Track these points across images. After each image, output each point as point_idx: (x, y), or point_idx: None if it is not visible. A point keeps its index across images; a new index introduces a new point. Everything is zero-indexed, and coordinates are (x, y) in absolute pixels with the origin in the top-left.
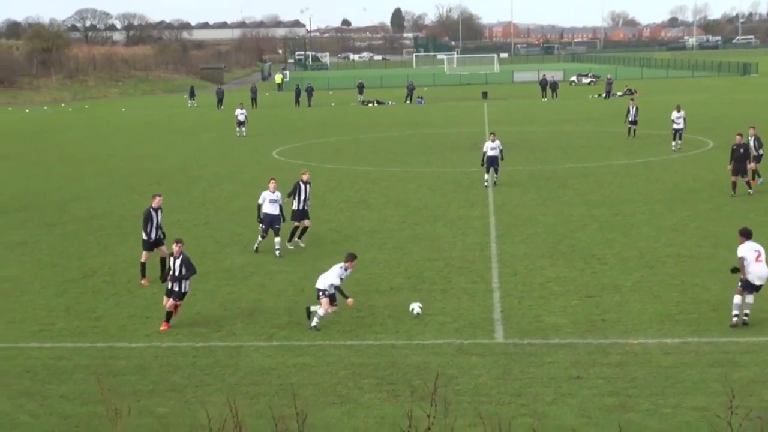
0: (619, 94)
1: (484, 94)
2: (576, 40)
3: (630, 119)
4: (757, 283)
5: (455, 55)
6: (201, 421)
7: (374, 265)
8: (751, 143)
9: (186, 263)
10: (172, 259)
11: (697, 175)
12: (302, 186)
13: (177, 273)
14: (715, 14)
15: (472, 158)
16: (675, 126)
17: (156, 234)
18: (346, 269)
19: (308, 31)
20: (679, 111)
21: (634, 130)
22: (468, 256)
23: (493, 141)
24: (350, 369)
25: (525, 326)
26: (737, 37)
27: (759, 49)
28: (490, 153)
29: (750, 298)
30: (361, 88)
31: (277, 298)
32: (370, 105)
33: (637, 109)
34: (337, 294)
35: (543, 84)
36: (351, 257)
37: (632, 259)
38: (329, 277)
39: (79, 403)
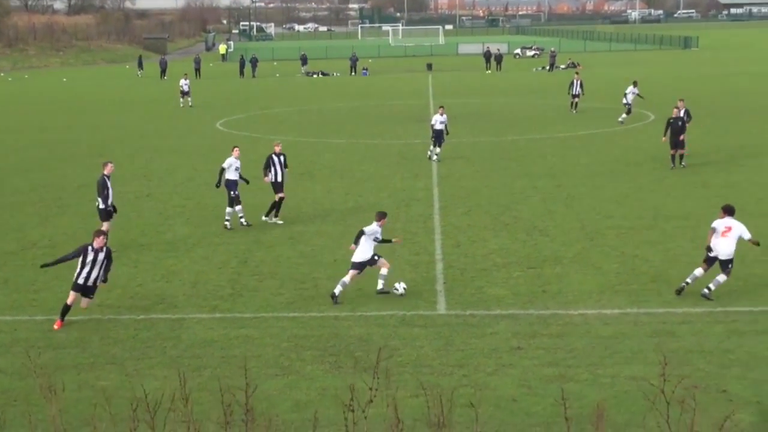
0: (563, 66)
1: (429, 66)
2: (520, 12)
3: (573, 92)
4: (712, 254)
5: (400, 27)
6: (141, 394)
7: (318, 237)
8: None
9: (110, 256)
10: (93, 253)
11: (638, 147)
12: (275, 158)
13: (105, 268)
14: None
15: (416, 130)
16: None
17: (112, 202)
18: (380, 226)
19: (253, 2)
20: (635, 86)
21: (576, 104)
22: (411, 228)
23: (441, 114)
24: (293, 341)
25: (467, 297)
26: (679, 11)
27: (700, 23)
28: (438, 126)
29: (721, 277)
30: (304, 60)
31: (219, 270)
32: (315, 76)
33: (581, 83)
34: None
35: (487, 56)
36: (382, 215)
37: (573, 230)
38: (369, 241)
39: (17, 377)
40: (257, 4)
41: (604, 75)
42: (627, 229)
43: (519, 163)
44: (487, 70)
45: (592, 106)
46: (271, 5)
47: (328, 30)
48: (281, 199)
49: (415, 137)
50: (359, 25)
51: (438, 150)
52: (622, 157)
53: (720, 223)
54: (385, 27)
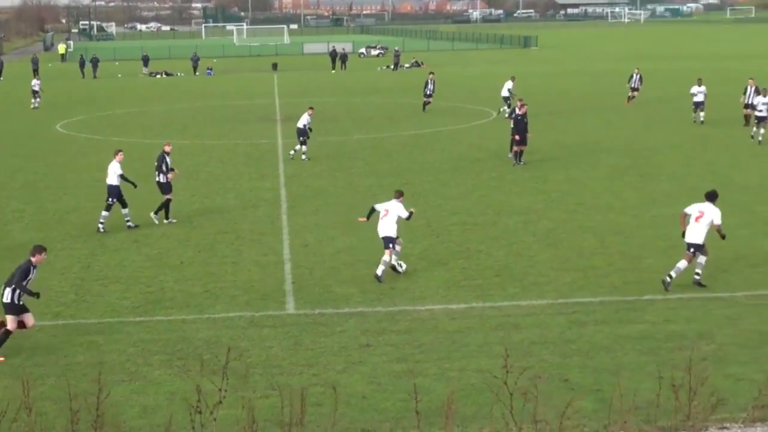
0: (407, 66)
1: (274, 66)
2: (365, 12)
3: (427, 93)
4: (686, 240)
5: (245, 26)
6: None
7: (164, 239)
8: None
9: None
10: (34, 271)
11: (481, 145)
12: (167, 158)
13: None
14: None
15: (263, 130)
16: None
17: None
18: (401, 202)
19: (93, 0)
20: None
21: (427, 103)
22: (259, 228)
23: (309, 114)
24: (139, 346)
25: (316, 296)
26: (518, 11)
27: (539, 23)
28: (300, 125)
29: (701, 258)
30: (146, 61)
31: (62, 275)
32: (158, 76)
33: (434, 83)
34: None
35: (333, 55)
36: (400, 193)
37: (419, 227)
38: (394, 220)
39: None
40: (97, 3)
41: (448, 74)
42: (471, 225)
43: (366, 161)
44: (332, 69)
45: (436, 104)
46: (112, 4)
47: (171, 29)
48: (169, 200)
49: (261, 137)
50: (203, 25)
51: (304, 148)
52: (466, 155)
53: (694, 208)
54: (230, 26)
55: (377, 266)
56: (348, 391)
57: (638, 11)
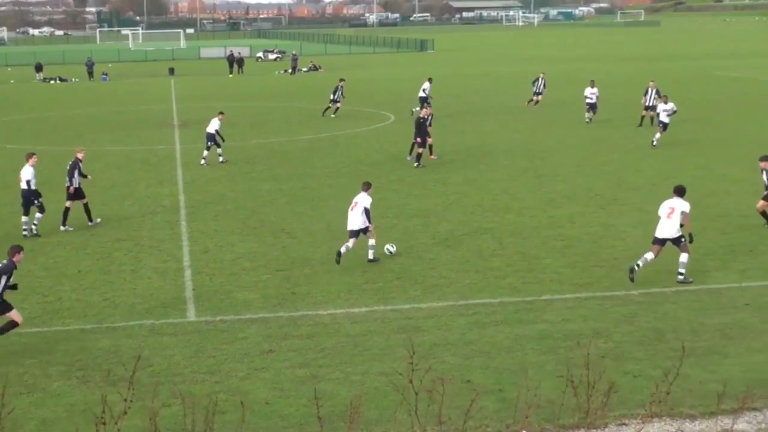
0: (305, 69)
1: (171, 71)
2: (262, 16)
3: (333, 98)
4: (659, 235)
5: (140, 31)
6: None
7: (60, 248)
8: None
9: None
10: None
11: (380, 148)
12: (81, 165)
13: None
14: None
15: (160, 135)
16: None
17: None
18: (369, 194)
19: None
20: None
21: (332, 109)
22: (158, 235)
23: (219, 119)
24: (37, 357)
25: (217, 303)
26: (414, 15)
27: (435, 26)
28: (210, 130)
29: (683, 257)
30: (39, 68)
31: None
32: (53, 82)
33: (343, 89)
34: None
35: (230, 60)
36: (368, 185)
37: (320, 232)
38: (362, 211)
39: None
40: None
41: (345, 78)
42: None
43: (265, 166)
44: (230, 73)
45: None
46: (3, 8)
47: (65, 34)
48: (86, 203)
49: (158, 143)
50: (97, 29)
51: (219, 150)
52: (364, 158)
53: (664, 205)
54: (125, 31)
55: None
56: (251, 397)
57: (532, 15)
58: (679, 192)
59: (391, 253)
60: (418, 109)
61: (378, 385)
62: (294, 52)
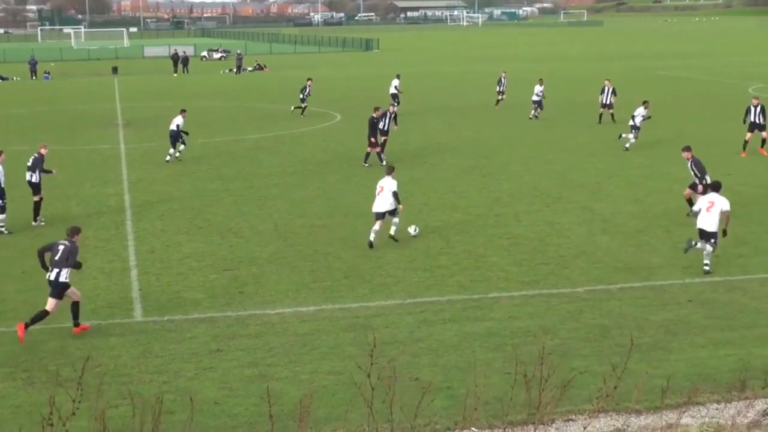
0: (250, 69)
1: (115, 69)
2: (206, 15)
3: (301, 97)
4: (700, 227)
5: (83, 30)
6: None
7: (4, 249)
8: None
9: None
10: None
11: (326, 147)
12: (44, 161)
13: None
14: None
15: (104, 135)
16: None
17: None
18: (393, 177)
19: None
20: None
21: (302, 108)
22: (103, 235)
23: (183, 117)
24: None
25: (164, 303)
26: (359, 14)
27: (379, 26)
28: (173, 128)
29: (708, 248)
30: None
31: None
32: None
33: (311, 88)
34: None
35: (174, 59)
36: (391, 168)
37: (267, 231)
38: (391, 194)
39: None
40: None
41: (291, 77)
42: (319, 228)
43: (211, 166)
44: (174, 72)
45: (282, 108)
46: None
47: (6, 32)
48: (41, 199)
49: (103, 142)
50: (39, 28)
51: (182, 148)
52: (311, 157)
53: (704, 199)
54: (67, 29)
55: (394, 229)
56: (199, 397)
57: (476, 14)
58: (715, 187)
59: (413, 234)
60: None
61: (327, 383)
62: (239, 52)
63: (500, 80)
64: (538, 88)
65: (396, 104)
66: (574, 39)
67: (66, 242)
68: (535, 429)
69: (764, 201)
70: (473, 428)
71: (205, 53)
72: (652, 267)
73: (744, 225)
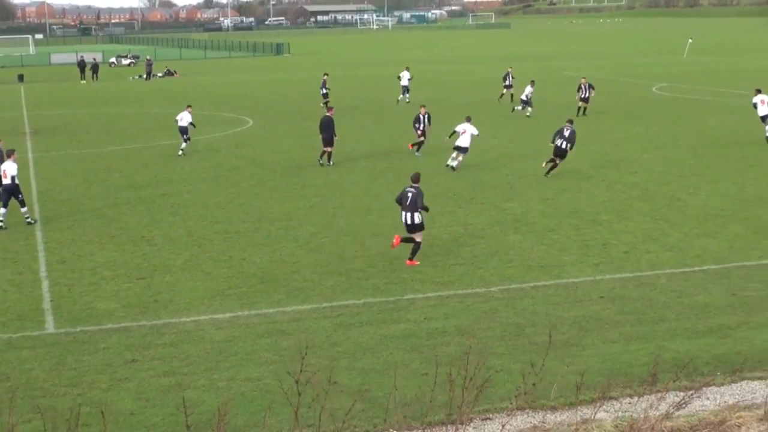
0: (160, 75)
1: (21, 77)
2: (114, 21)
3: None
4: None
5: None
6: None
7: None
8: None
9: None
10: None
11: (238, 153)
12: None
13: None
14: None
15: (11, 144)
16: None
17: None
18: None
19: None
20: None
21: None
22: (12, 247)
23: (189, 112)
24: None
25: (77, 314)
26: (269, 19)
27: (290, 30)
28: (183, 124)
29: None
30: None
31: None
32: None
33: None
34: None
35: (81, 66)
36: (468, 118)
37: (181, 238)
38: (470, 136)
39: None
40: None
41: (202, 82)
42: (233, 234)
43: (122, 173)
44: (82, 79)
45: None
46: None
47: None
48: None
49: None
50: None
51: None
52: (224, 163)
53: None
54: None
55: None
56: (115, 408)
57: (386, 18)
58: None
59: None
60: (404, 96)
61: (245, 390)
62: (148, 57)
63: (507, 75)
64: (528, 89)
65: (405, 95)
66: (483, 41)
67: (415, 188)
68: (454, 429)
69: (670, 198)
70: (392, 430)
71: (113, 59)
72: (563, 265)
73: (652, 222)
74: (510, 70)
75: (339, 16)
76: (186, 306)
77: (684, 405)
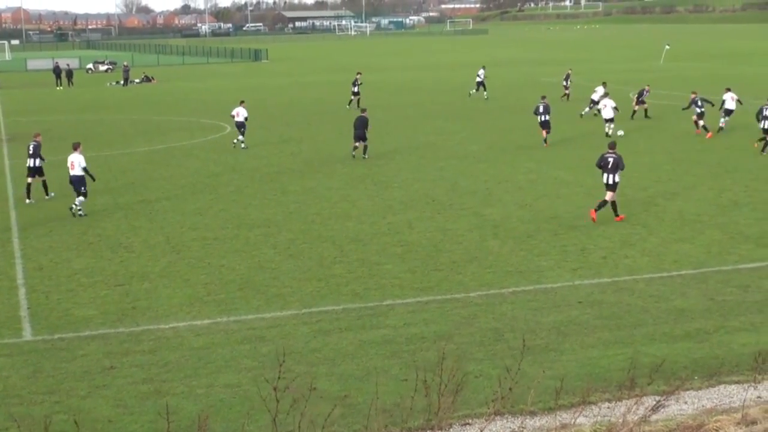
0: (137, 81)
1: None
2: (90, 26)
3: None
4: None
5: None
6: None
7: None
8: None
9: None
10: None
11: (217, 159)
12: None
13: None
14: (225, 2)
15: None
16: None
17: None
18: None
19: None
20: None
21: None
22: None
23: (243, 107)
24: None
25: (54, 321)
26: (247, 25)
27: (268, 36)
28: (240, 119)
29: None
30: None
31: None
32: None
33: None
34: None
35: (57, 72)
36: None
37: (159, 245)
38: (612, 109)
39: None
40: None
41: (179, 88)
42: (212, 240)
43: (100, 180)
44: (58, 86)
45: (172, 120)
46: None
47: None
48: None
49: None
50: None
51: (242, 138)
52: (202, 169)
53: None
54: None
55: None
56: (93, 416)
57: (364, 24)
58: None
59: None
60: (474, 91)
61: (224, 397)
62: (126, 63)
63: (567, 77)
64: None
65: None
66: (461, 47)
67: None
68: None
69: (647, 203)
70: None
71: (90, 65)
72: (542, 270)
73: (630, 227)
74: (570, 71)
75: (317, 23)
76: (164, 312)
77: (661, 408)
